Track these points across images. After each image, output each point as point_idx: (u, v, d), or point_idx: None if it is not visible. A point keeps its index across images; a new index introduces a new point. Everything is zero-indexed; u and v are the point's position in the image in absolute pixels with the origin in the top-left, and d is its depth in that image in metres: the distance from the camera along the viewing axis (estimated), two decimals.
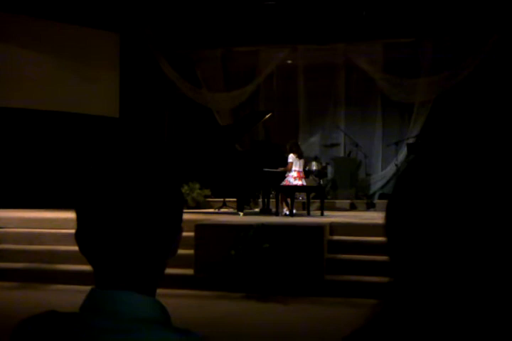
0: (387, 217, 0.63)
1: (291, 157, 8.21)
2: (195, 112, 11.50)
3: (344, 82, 11.27)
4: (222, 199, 9.60)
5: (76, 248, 0.86)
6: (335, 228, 6.65)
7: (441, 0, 9.92)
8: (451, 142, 0.61)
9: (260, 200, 9.23)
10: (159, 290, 0.87)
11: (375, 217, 7.27)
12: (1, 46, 9.69)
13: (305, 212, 8.56)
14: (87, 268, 0.86)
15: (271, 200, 8.81)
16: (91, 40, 10.48)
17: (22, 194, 9.22)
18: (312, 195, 8.92)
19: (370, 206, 10.05)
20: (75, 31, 10.27)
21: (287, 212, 8.25)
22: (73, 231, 0.88)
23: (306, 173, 8.62)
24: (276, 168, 8.42)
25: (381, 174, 11.09)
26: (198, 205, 9.91)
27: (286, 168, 8.25)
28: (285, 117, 11.21)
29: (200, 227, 6.10)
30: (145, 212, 0.83)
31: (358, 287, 5.54)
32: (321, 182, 9.69)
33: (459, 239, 0.55)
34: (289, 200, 8.27)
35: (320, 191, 8.83)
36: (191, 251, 5.93)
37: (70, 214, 0.94)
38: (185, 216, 0.91)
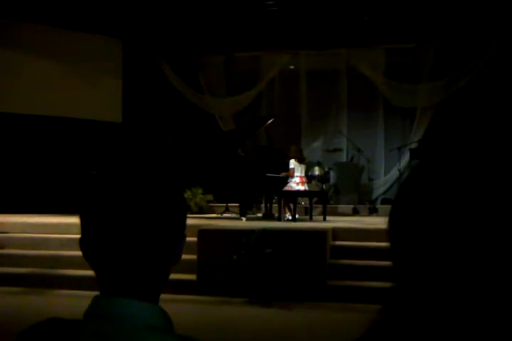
0: (391, 223, 0.63)
1: (292, 163, 8.21)
2: (198, 117, 11.52)
3: (346, 87, 11.28)
4: (224, 205, 9.59)
5: (80, 253, 0.86)
6: (337, 233, 6.63)
7: (443, 5, 9.94)
8: (454, 148, 0.62)
9: (263, 205, 9.23)
10: (162, 296, 0.87)
11: (378, 222, 7.25)
12: (3, 52, 9.73)
13: (307, 217, 8.54)
14: (91, 273, 0.86)
15: (273, 205, 8.80)
16: (93, 46, 10.52)
17: (26, 199, 9.24)
18: (315, 200, 8.91)
19: (373, 211, 10.04)
20: (77, 37, 10.31)
21: (290, 217, 8.23)
22: (77, 236, 0.88)
23: (309, 178, 8.61)
24: (279, 173, 8.42)
25: (384, 179, 11.09)
26: (201, 210, 9.91)
27: (288, 173, 8.25)
28: (287, 122, 11.22)
29: (202, 232, 6.10)
30: (149, 218, 0.83)
31: (361, 292, 5.52)
32: (324, 187, 9.69)
33: (462, 245, 0.56)
34: (291, 205, 8.26)
35: (322, 196, 8.82)
36: (194, 257, 5.93)
37: (74, 220, 0.95)
38: (188, 221, 0.92)
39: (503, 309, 0.55)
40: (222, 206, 9.66)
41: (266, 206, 8.96)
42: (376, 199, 10.93)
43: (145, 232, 0.83)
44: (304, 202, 9.53)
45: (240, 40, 10.95)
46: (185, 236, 0.90)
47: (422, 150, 9.95)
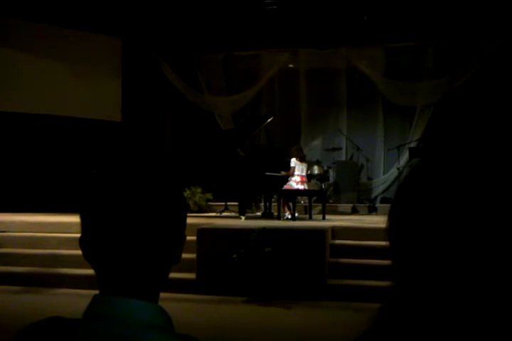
0: (390, 221, 0.63)
1: (293, 161, 8.23)
2: (197, 117, 11.52)
3: (346, 85, 11.28)
4: (224, 203, 9.60)
5: (80, 252, 0.86)
6: (337, 232, 6.64)
7: (442, 4, 9.93)
8: (454, 146, 0.62)
9: (262, 204, 9.23)
10: (161, 295, 0.87)
11: (377, 221, 7.25)
12: (3, 51, 9.72)
13: (307, 215, 8.55)
14: (91, 272, 0.86)
15: (273, 204, 8.80)
16: (93, 45, 10.51)
17: (25, 198, 9.24)
18: (314, 198, 8.92)
19: (372, 210, 10.04)
20: (77, 36, 10.30)
21: (289, 216, 8.24)
22: (77, 235, 0.88)
23: (308, 177, 8.62)
24: (278, 172, 8.42)
25: (383, 178, 11.09)
26: (200, 209, 9.91)
27: (289, 172, 8.26)
28: (287, 121, 11.22)
29: (202, 231, 6.10)
30: (149, 217, 0.83)
31: (360, 291, 5.52)
32: (323, 186, 9.69)
33: (461, 244, 0.55)
34: (290, 204, 8.27)
35: (322, 195, 8.83)
36: (193, 255, 5.93)
37: (74, 218, 0.95)
38: (187, 220, 0.91)
39: (502, 309, 0.55)
40: (222, 205, 9.67)
41: (265, 205, 8.96)
42: (375, 198, 10.93)
43: (145, 231, 0.83)
44: (303, 200, 9.53)
45: (239, 39, 10.95)
46: (185, 236, 0.89)
47: (422, 149, 9.96)
